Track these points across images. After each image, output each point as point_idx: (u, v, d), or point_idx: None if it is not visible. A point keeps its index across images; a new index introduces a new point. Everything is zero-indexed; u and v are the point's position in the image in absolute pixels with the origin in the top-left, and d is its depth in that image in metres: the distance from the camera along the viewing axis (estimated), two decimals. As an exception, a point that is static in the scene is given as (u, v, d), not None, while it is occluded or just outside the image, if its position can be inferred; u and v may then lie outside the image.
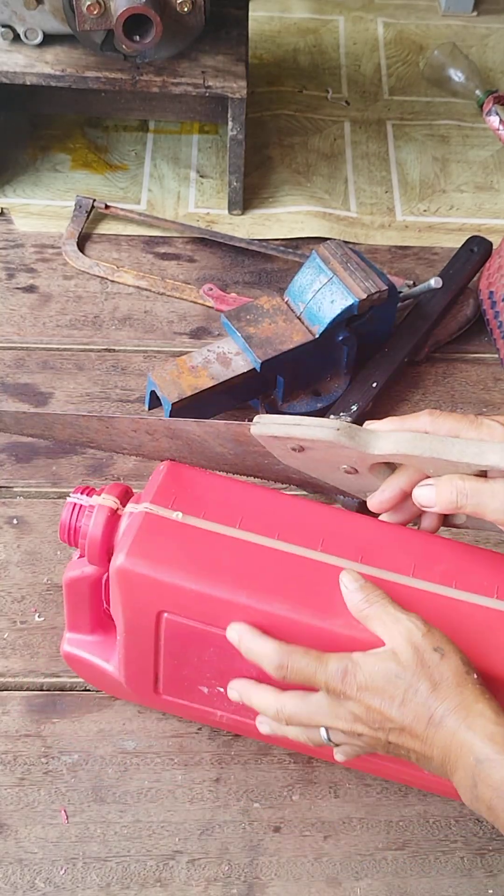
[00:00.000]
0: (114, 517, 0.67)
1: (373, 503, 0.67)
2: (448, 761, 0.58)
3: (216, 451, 0.69)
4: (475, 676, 0.60)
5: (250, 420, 0.67)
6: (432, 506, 0.63)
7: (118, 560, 0.64)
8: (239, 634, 0.63)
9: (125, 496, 0.69)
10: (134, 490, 0.71)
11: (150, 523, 0.65)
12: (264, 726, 0.66)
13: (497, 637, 0.63)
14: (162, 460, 0.70)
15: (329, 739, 0.63)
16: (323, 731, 0.63)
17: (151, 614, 0.66)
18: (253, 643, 0.62)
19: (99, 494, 0.68)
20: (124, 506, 0.68)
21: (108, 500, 0.67)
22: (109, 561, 0.67)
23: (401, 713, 0.58)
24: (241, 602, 0.63)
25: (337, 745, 0.64)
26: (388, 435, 0.63)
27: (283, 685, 0.63)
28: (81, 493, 0.68)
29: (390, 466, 0.66)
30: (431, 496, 0.63)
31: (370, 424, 0.65)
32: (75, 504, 0.68)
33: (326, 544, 0.66)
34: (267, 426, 0.65)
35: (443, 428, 0.63)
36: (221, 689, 0.70)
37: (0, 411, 0.72)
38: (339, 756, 0.67)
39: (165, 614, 0.66)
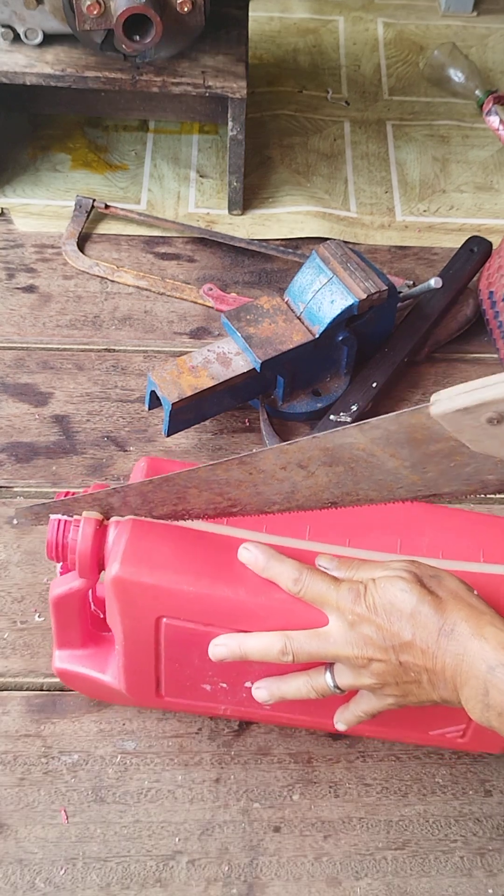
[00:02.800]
0: (101, 528, 0.66)
1: None
2: (459, 673, 0.59)
3: (388, 468, 0.58)
4: (476, 593, 0.61)
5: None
6: None
7: (113, 570, 0.64)
8: (255, 555, 0.63)
9: None
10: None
11: (139, 529, 0.65)
12: (262, 692, 0.66)
13: (489, 599, 0.63)
14: (321, 506, 0.62)
15: (335, 686, 0.63)
16: (329, 677, 0.63)
17: (150, 620, 0.66)
18: (271, 561, 0.63)
19: (82, 492, 0.67)
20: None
21: (92, 513, 0.65)
22: (100, 572, 0.66)
23: (412, 625, 0.59)
24: (239, 598, 0.63)
25: (342, 692, 0.64)
26: None
27: (287, 669, 0.63)
28: (64, 497, 0.66)
29: None
30: None
31: None
32: (59, 521, 0.66)
33: (313, 532, 0.66)
34: (451, 400, 0.52)
35: None
36: (224, 685, 0.70)
37: (126, 486, 0.64)
38: (340, 725, 0.68)
39: (164, 619, 0.66)
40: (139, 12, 0.96)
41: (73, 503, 0.65)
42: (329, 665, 0.65)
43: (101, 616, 0.73)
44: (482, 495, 0.59)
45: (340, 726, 0.68)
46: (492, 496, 0.91)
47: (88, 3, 0.96)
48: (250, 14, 1.15)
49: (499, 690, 0.57)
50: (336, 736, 0.78)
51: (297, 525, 0.66)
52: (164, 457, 0.94)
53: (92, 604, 0.73)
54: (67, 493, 0.67)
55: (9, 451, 0.94)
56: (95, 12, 0.97)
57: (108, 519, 0.66)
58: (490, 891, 0.71)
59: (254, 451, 0.59)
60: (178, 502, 0.64)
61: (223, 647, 0.64)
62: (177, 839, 0.73)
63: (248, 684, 0.69)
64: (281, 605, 0.63)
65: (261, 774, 0.76)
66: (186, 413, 0.91)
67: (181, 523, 0.66)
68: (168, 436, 0.92)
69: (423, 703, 0.63)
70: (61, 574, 0.70)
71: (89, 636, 0.74)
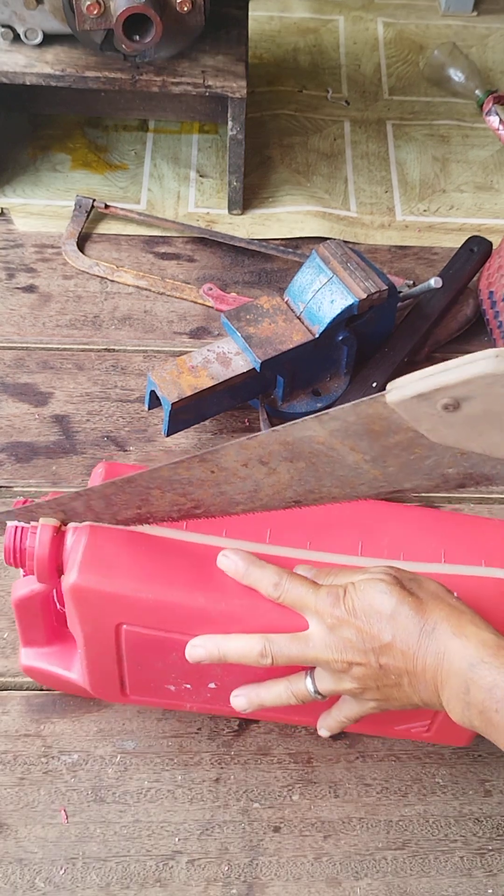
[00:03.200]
0: (59, 534, 0.65)
1: None
2: (440, 672, 0.58)
3: (348, 462, 0.57)
4: (455, 595, 0.61)
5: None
6: None
7: (71, 578, 0.63)
8: (234, 562, 0.63)
9: None
10: None
11: (96, 535, 0.64)
12: (240, 699, 0.66)
13: None
14: (285, 506, 0.62)
15: (316, 692, 0.63)
16: (309, 682, 0.63)
17: (110, 627, 0.65)
18: (251, 567, 0.62)
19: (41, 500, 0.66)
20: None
21: (49, 519, 0.65)
22: (59, 577, 0.66)
23: (392, 627, 0.59)
24: (198, 605, 0.63)
25: (323, 698, 0.64)
26: None
27: (266, 674, 0.63)
28: (24, 504, 0.66)
29: None
30: None
31: None
32: (16, 527, 0.65)
33: (273, 536, 0.66)
34: (407, 387, 0.52)
35: None
36: (188, 686, 0.70)
37: (89, 490, 0.63)
38: (323, 731, 0.67)
39: (124, 626, 0.65)
40: (139, 12, 0.96)
41: (36, 509, 0.64)
42: (309, 670, 0.64)
43: (61, 607, 0.73)
44: (444, 492, 0.59)
45: (324, 732, 0.68)
46: (491, 496, 0.91)
47: (88, 3, 0.96)
48: (250, 14, 1.15)
49: (479, 688, 0.57)
50: (336, 736, 0.78)
51: (257, 528, 0.66)
52: (163, 457, 0.94)
53: (57, 602, 0.73)
54: (26, 501, 0.66)
55: (9, 451, 0.94)
56: (95, 12, 0.97)
57: (66, 525, 0.65)
58: (490, 891, 0.71)
59: (212, 450, 0.58)
60: (142, 504, 0.63)
61: (201, 648, 0.63)
62: (176, 839, 0.73)
63: (211, 685, 0.69)
64: (241, 612, 0.63)
65: (260, 774, 0.76)
66: (186, 413, 0.91)
67: (140, 528, 0.65)
68: (168, 436, 0.92)
69: (404, 707, 0.62)
70: (24, 577, 0.69)
71: (54, 634, 0.74)
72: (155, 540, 0.65)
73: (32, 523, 0.64)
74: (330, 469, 0.58)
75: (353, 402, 0.53)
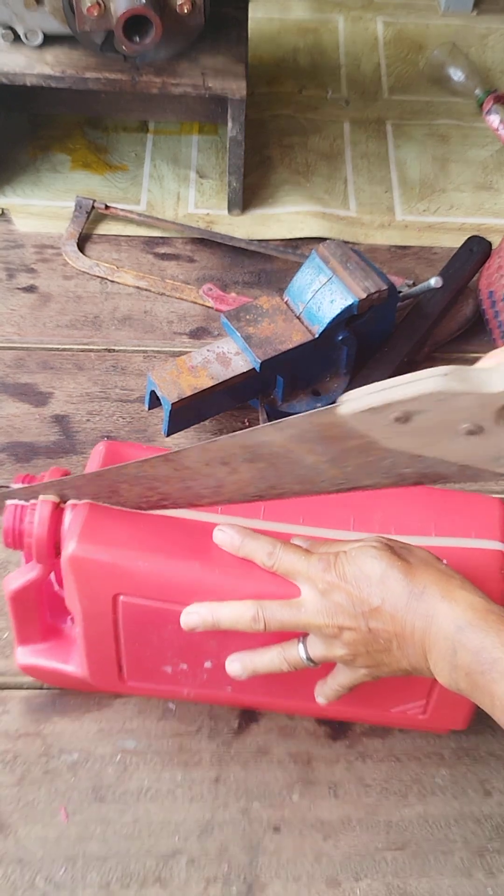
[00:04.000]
0: (57, 511, 0.66)
1: None
2: (428, 634, 0.59)
3: (307, 463, 0.59)
4: (445, 562, 0.62)
5: (331, 402, 0.56)
6: None
7: (69, 548, 0.64)
8: (230, 536, 0.64)
9: None
10: None
11: (96, 511, 0.65)
12: (235, 664, 0.66)
13: None
14: (248, 500, 0.64)
15: (308, 658, 0.64)
16: (301, 648, 0.64)
17: (107, 599, 0.66)
18: (245, 539, 0.63)
19: (40, 479, 0.67)
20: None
21: (49, 496, 0.66)
22: (57, 556, 0.67)
23: (381, 591, 0.60)
24: (194, 575, 0.64)
25: (315, 664, 0.64)
26: None
27: (262, 640, 0.64)
28: (22, 482, 0.67)
29: None
30: None
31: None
32: (16, 506, 0.66)
33: (268, 513, 0.67)
34: (358, 400, 0.53)
35: None
36: (185, 667, 0.71)
37: (60, 481, 0.66)
38: (320, 699, 0.68)
39: (122, 597, 0.66)
40: (139, 13, 0.96)
41: (8, 495, 0.66)
42: (302, 637, 0.65)
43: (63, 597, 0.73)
44: (400, 486, 0.60)
45: (321, 700, 0.69)
46: (493, 491, 0.91)
47: (88, 4, 0.96)
48: (250, 14, 1.15)
49: (466, 650, 0.57)
50: (336, 736, 0.78)
51: (251, 505, 0.67)
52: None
53: (55, 584, 0.74)
54: (26, 478, 0.67)
55: (9, 451, 0.94)
56: (95, 13, 0.97)
57: (64, 502, 0.66)
58: (490, 891, 0.71)
59: (175, 450, 0.60)
60: (112, 495, 0.65)
61: (195, 614, 0.64)
62: (176, 838, 0.73)
63: (207, 665, 0.70)
64: (235, 581, 0.64)
65: (260, 774, 0.76)
66: (186, 413, 0.91)
67: None
68: (168, 436, 0.92)
69: (394, 674, 0.63)
70: (17, 570, 0.70)
71: (49, 629, 0.75)
72: (152, 516, 0.66)
73: (32, 501, 0.66)
74: (290, 468, 0.59)
75: (307, 413, 0.54)
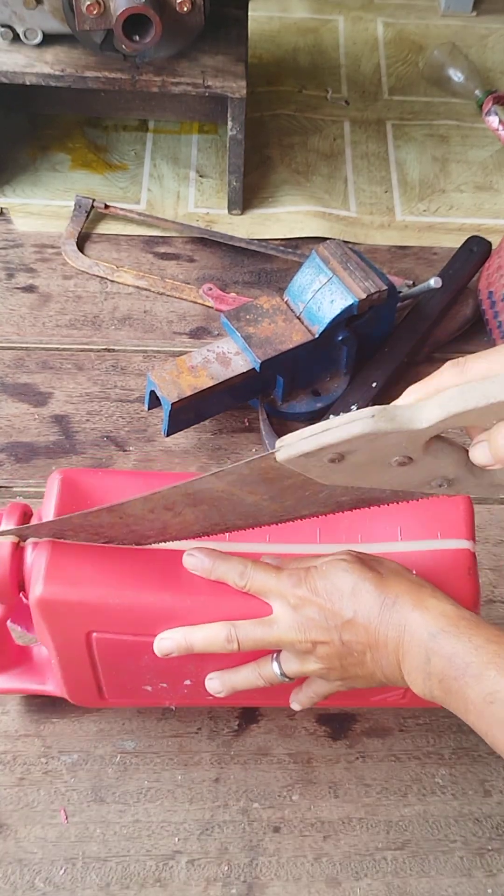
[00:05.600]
0: (18, 550, 0.64)
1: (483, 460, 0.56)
2: (401, 644, 0.59)
3: (248, 502, 0.61)
4: (414, 573, 0.62)
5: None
6: (492, 464, 0.54)
7: (37, 591, 0.62)
8: (200, 560, 0.63)
9: (25, 518, 0.66)
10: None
11: (58, 549, 0.64)
12: (214, 682, 0.67)
13: None
14: (194, 537, 0.65)
15: (283, 674, 0.64)
16: (276, 665, 0.64)
17: (81, 636, 0.65)
18: (217, 562, 0.63)
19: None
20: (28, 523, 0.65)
21: (7, 536, 0.64)
22: (19, 594, 0.65)
23: (353, 603, 0.60)
24: (166, 604, 0.63)
25: (290, 680, 0.65)
26: (429, 401, 0.54)
27: (239, 658, 0.64)
28: None
29: (446, 441, 0.57)
30: (486, 454, 0.54)
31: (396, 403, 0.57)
32: None
33: (233, 535, 0.66)
34: (293, 446, 0.56)
35: (473, 372, 0.53)
36: (165, 685, 0.70)
37: (15, 529, 0.65)
38: (295, 705, 0.69)
39: (94, 633, 0.65)
40: (139, 12, 0.96)
41: None
42: (276, 654, 0.65)
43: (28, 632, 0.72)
44: (341, 512, 0.63)
45: (296, 706, 0.69)
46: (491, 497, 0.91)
47: (88, 3, 0.96)
48: (250, 14, 1.15)
49: (439, 656, 0.58)
50: (336, 736, 0.78)
51: None
52: (163, 457, 0.94)
53: (14, 624, 0.73)
54: None
55: (8, 451, 0.94)
56: (95, 12, 0.97)
57: (24, 541, 0.65)
58: (490, 891, 0.71)
59: (119, 502, 0.61)
60: (59, 535, 0.64)
61: (169, 640, 0.64)
62: (176, 839, 0.73)
63: (187, 682, 0.69)
64: (208, 607, 0.63)
65: (260, 774, 0.76)
66: (186, 413, 0.91)
67: None
68: (167, 436, 0.92)
69: (369, 685, 0.64)
70: None
71: (19, 655, 0.74)
72: (117, 549, 0.65)
73: None
74: (232, 508, 0.62)
75: (245, 461, 0.57)
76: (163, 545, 0.65)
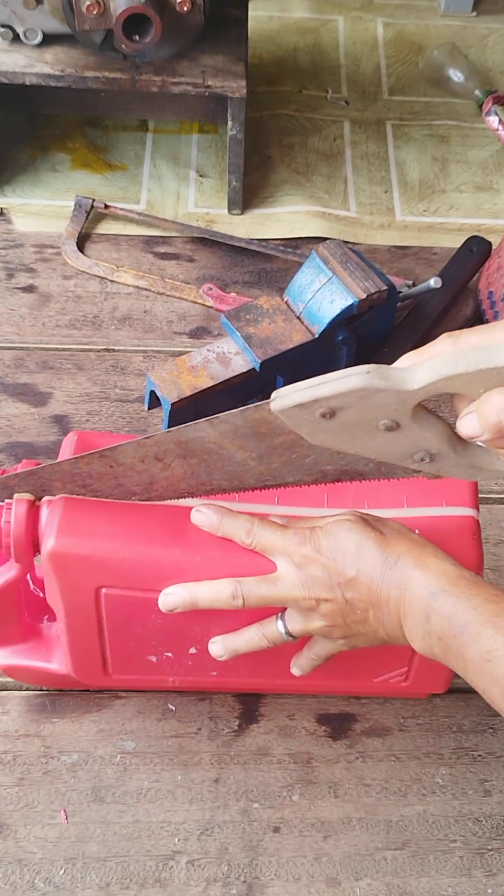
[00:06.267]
0: (33, 508, 0.65)
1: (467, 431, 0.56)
2: (402, 602, 0.60)
3: (237, 459, 0.63)
4: (417, 533, 0.63)
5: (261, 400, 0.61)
6: (479, 435, 0.54)
7: (49, 544, 0.64)
8: (208, 516, 0.64)
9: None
10: None
11: (72, 505, 0.65)
12: (217, 645, 0.67)
13: None
14: (179, 496, 0.66)
15: (287, 633, 0.65)
16: (280, 624, 0.65)
17: (90, 592, 0.66)
18: (224, 519, 0.64)
19: (6, 473, 0.67)
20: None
21: (23, 494, 0.65)
22: (35, 554, 0.67)
23: (356, 561, 0.61)
24: (174, 559, 0.64)
25: (294, 639, 0.65)
26: (422, 365, 0.55)
27: (245, 620, 0.66)
28: None
29: (433, 414, 0.58)
30: (474, 423, 0.54)
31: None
32: None
33: (242, 495, 0.67)
34: (288, 397, 0.57)
35: (467, 343, 0.54)
36: (170, 654, 0.71)
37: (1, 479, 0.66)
38: (295, 670, 0.69)
39: (104, 589, 0.66)
40: (139, 12, 0.96)
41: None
42: (280, 613, 0.66)
43: (42, 596, 0.73)
44: (323, 483, 0.64)
45: (296, 671, 0.70)
46: (490, 497, 0.91)
47: (88, 3, 0.96)
48: (250, 14, 1.15)
49: (439, 615, 0.59)
50: (336, 736, 0.78)
51: None
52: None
53: (31, 583, 0.74)
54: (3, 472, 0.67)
55: (8, 451, 0.94)
56: (95, 12, 0.97)
57: (40, 500, 0.66)
58: (490, 891, 0.71)
59: (111, 446, 0.62)
60: (43, 493, 0.66)
61: (173, 595, 0.64)
62: (176, 839, 0.73)
63: (192, 650, 0.70)
64: (216, 563, 0.64)
65: (260, 775, 0.76)
66: (186, 413, 0.91)
67: None
68: (168, 436, 0.92)
69: (371, 644, 0.64)
70: None
71: (28, 629, 0.75)
72: (129, 506, 0.66)
73: (6, 501, 0.66)
74: (220, 465, 0.63)
75: (241, 409, 0.59)
76: (172, 502, 0.66)
